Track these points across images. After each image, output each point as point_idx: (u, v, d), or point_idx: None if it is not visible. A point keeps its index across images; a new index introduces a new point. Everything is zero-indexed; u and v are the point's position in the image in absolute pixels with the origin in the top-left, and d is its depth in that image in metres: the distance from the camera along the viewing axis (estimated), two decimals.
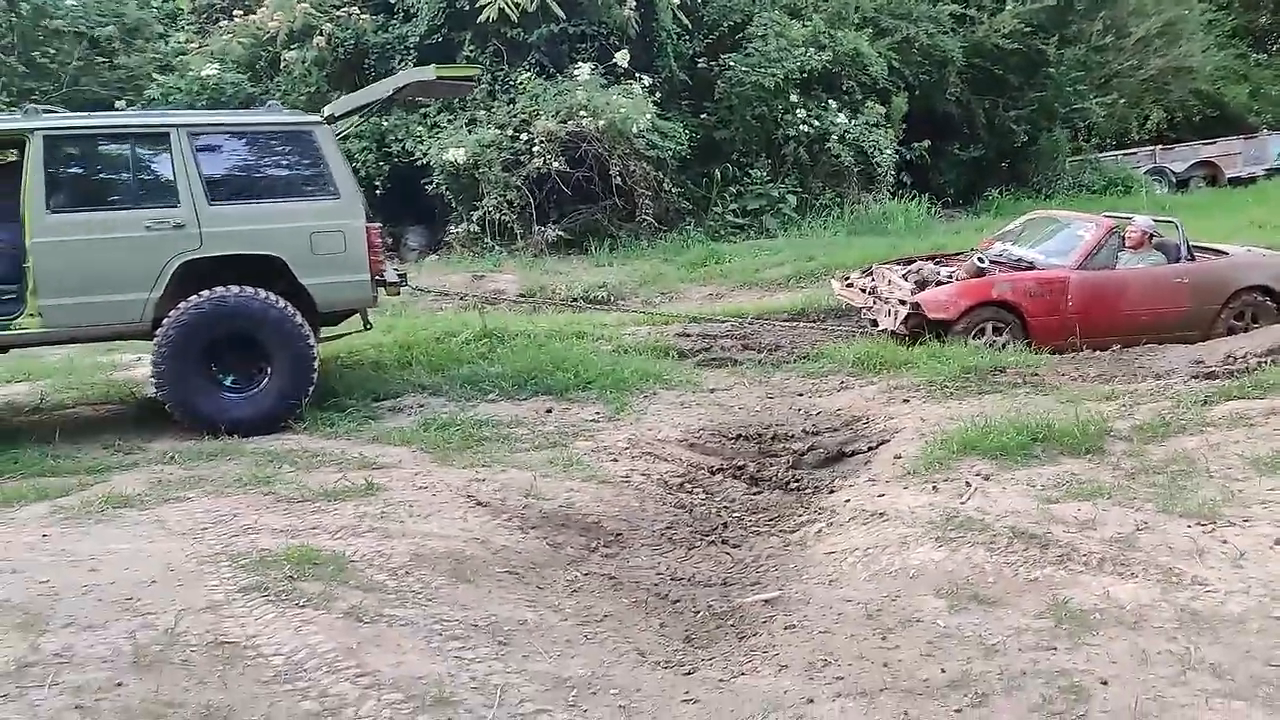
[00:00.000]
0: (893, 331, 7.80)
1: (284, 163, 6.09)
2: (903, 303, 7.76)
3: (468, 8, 13.39)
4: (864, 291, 8.55)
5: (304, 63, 13.31)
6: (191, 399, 5.63)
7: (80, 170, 5.78)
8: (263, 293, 5.72)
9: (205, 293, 5.65)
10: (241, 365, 5.84)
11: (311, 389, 5.85)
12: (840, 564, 3.97)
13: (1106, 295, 7.82)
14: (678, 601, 3.87)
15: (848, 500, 4.66)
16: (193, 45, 13.76)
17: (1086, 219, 8.64)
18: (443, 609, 3.48)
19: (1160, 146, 21.04)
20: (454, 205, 13.78)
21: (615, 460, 5.29)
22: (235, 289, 5.68)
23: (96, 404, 6.71)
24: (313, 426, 5.80)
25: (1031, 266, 8.08)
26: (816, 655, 3.21)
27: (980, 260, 8.18)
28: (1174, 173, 20.67)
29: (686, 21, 14.67)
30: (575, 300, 10.97)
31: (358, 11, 13.99)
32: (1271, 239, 11.96)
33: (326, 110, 6.45)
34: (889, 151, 16.10)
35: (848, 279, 9.14)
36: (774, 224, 15.12)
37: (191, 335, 5.57)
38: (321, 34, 13.34)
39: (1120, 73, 19.70)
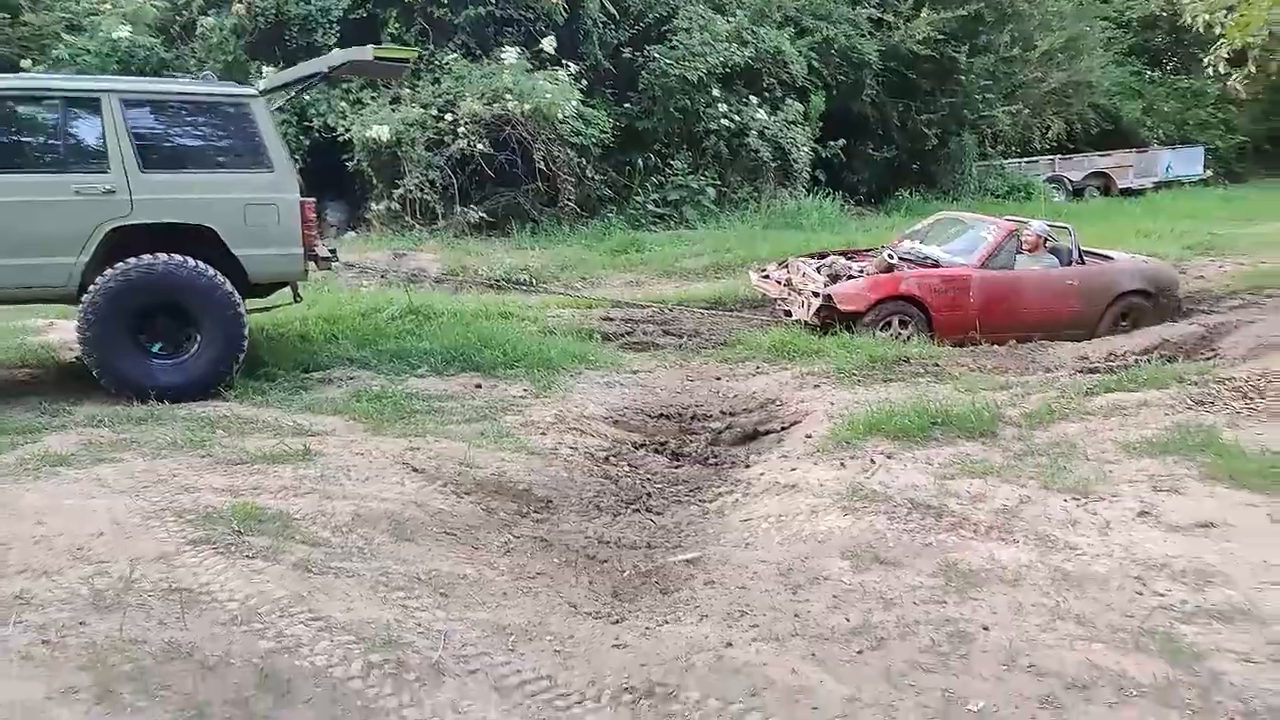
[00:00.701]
0: (805, 321, 8.22)
1: (219, 134, 6.11)
2: (815, 294, 8.19)
3: None
4: (779, 283, 8.96)
5: (222, 30, 13.03)
6: (118, 365, 5.64)
7: (9, 131, 5.70)
8: (191, 261, 5.75)
9: (132, 260, 5.65)
10: (171, 333, 5.86)
11: (242, 357, 5.91)
12: (755, 530, 4.30)
13: (1004, 293, 8.40)
14: (605, 561, 4.15)
15: (762, 474, 5.00)
16: (105, 6, 13.30)
17: (989, 221, 9.23)
18: (386, 563, 3.68)
19: (1059, 156, 22.22)
20: (374, 182, 13.73)
21: (543, 434, 5.52)
22: (164, 256, 5.70)
23: (13, 367, 6.61)
24: (243, 395, 5.87)
25: (937, 264, 8.60)
26: (734, 607, 3.52)
27: (890, 256, 8.68)
28: (1071, 181, 21.88)
29: (613, 10, 14.87)
30: (500, 281, 11.12)
31: None
32: (1154, 246, 12.91)
33: (260, 84, 6.47)
34: (806, 149, 16.65)
35: (764, 271, 9.55)
36: (693, 215, 15.50)
37: (118, 301, 5.58)
38: (241, 1, 13.09)
39: (1025, 84, 20.74)
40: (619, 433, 5.82)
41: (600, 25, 15.29)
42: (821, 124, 17.53)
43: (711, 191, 15.72)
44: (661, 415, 6.15)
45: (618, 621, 3.53)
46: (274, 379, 6.19)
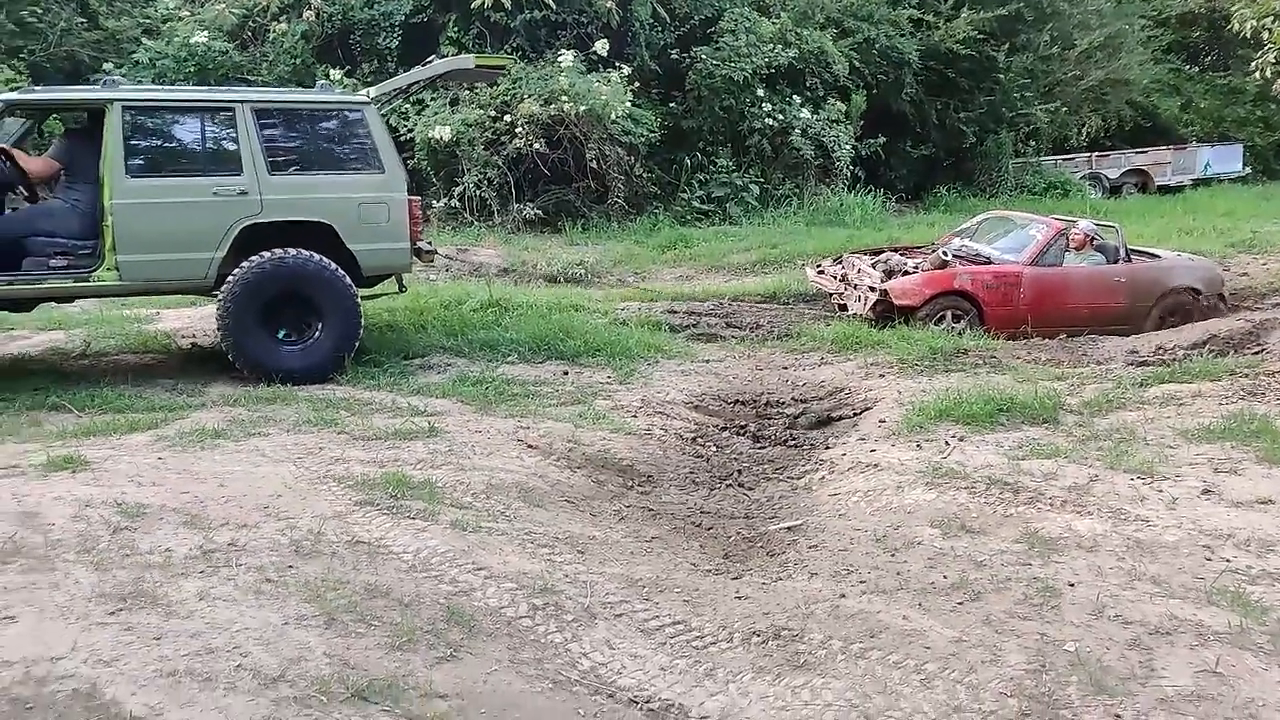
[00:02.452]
0: (861, 315, 8.61)
1: (336, 139, 6.60)
2: (872, 289, 8.58)
3: None
4: (836, 279, 9.36)
5: (292, 35, 13.57)
6: (252, 349, 6.12)
7: (155, 138, 6.20)
8: (317, 256, 6.23)
9: (266, 253, 6.13)
10: (294, 321, 6.33)
11: (356, 344, 6.40)
12: (845, 503, 4.72)
13: (1054, 289, 8.74)
14: (710, 529, 4.58)
15: (844, 454, 5.42)
16: (184, 12, 13.88)
17: (1038, 220, 9.57)
18: (525, 525, 4.14)
19: (1096, 153, 22.35)
20: (434, 180, 14.22)
21: (634, 417, 5.96)
22: (293, 251, 6.18)
23: (138, 352, 7.13)
24: (355, 379, 6.35)
25: (989, 261, 8.96)
26: (839, 566, 3.95)
27: (944, 253, 9.05)
28: (1108, 179, 22.00)
29: (665, 15, 15.28)
30: (560, 275, 11.55)
31: None
32: (1198, 244, 13.15)
33: (373, 92, 6.95)
34: (847, 147, 16.97)
35: (820, 267, 9.95)
36: (737, 211, 15.89)
37: (253, 291, 6.07)
38: (311, 8, 13.62)
39: (1063, 82, 20.90)
40: (700, 416, 6.24)
41: (648, 27, 15.70)
42: (862, 122, 17.84)
43: (755, 189, 16.10)
44: (737, 401, 6.57)
45: (737, 577, 3.96)
46: (380, 365, 6.67)
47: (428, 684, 2.86)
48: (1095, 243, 9.24)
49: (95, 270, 5.97)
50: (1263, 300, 10.77)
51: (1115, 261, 9.12)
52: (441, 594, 3.40)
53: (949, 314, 8.51)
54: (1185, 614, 3.41)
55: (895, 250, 9.91)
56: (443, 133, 12.90)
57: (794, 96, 16.54)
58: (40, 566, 3.25)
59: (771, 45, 15.94)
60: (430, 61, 7.47)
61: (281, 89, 8.89)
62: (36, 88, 7.36)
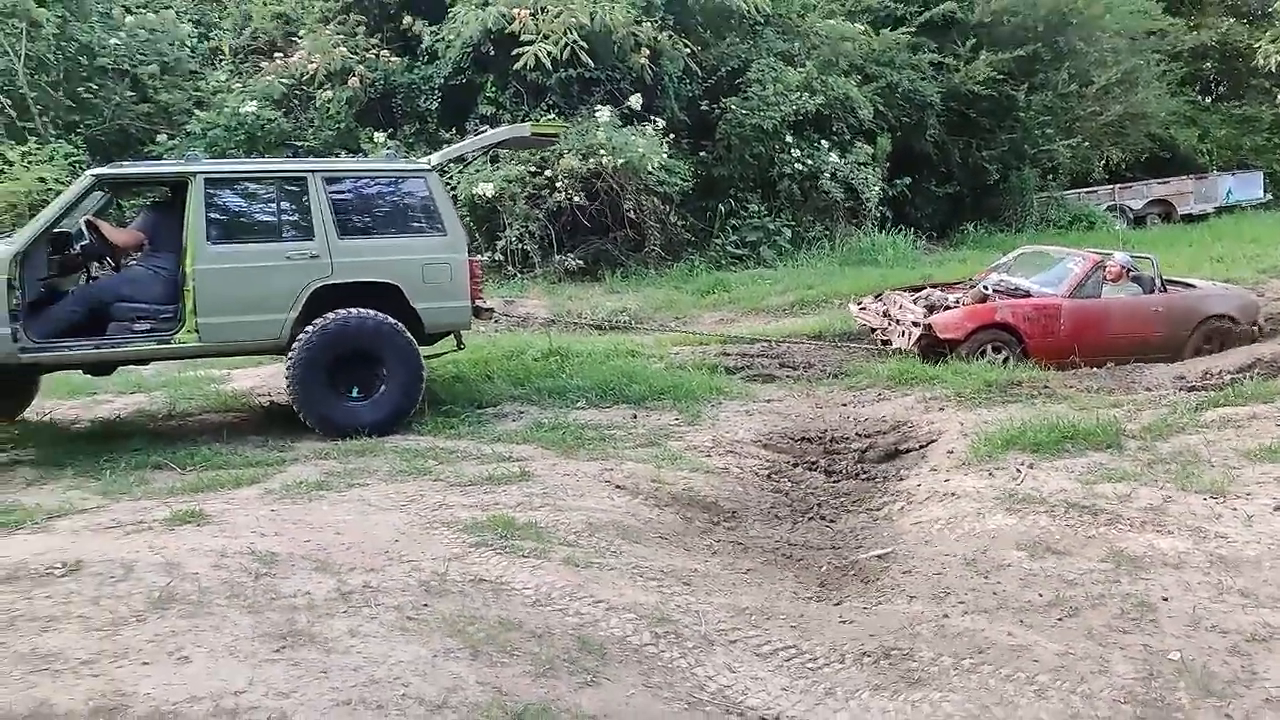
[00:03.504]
0: (904, 350, 8.82)
1: (400, 203, 6.92)
2: (915, 324, 8.81)
3: (493, 52, 14.32)
4: (879, 314, 9.60)
5: (339, 101, 14.11)
6: (320, 405, 6.39)
7: (234, 208, 6.56)
8: (383, 315, 6.51)
9: (340, 312, 6.43)
10: (361, 377, 6.58)
11: (421, 398, 6.67)
12: (929, 530, 4.90)
13: (1093, 320, 8.93)
14: (801, 560, 4.77)
15: (919, 485, 5.60)
16: (235, 84, 14.48)
17: (1074, 253, 9.79)
18: (630, 560, 4.34)
19: (1119, 185, 22.61)
20: (476, 235, 14.61)
21: (708, 456, 6.17)
22: (363, 311, 6.46)
23: (220, 411, 7.42)
24: (436, 429, 6.60)
25: (1028, 294, 9.17)
26: (936, 589, 4.12)
27: (985, 288, 9.29)
28: (1131, 210, 22.23)
29: (699, 70, 15.74)
30: (605, 323, 11.84)
31: (387, 53, 14.85)
32: (1230, 271, 13.30)
33: (435, 159, 7.30)
34: (876, 188, 17.31)
35: (862, 304, 10.20)
36: (770, 254, 16.19)
37: (326, 349, 6.35)
38: (355, 75, 14.17)
39: (1083, 117, 21.25)
40: (770, 454, 6.44)
41: (676, 80, 16.17)
42: (888, 163, 18.19)
43: (787, 232, 16.42)
44: (803, 438, 6.76)
45: (838, 604, 4.15)
46: (457, 415, 6.93)
47: (575, 707, 3.06)
48: (1131, 274, 9.44)
49: (176, 333, 6.26)
50: None
51: (1151, 292, 9.31)
52: (569, 625, 3.60)
53: (990, 346, 8.70)
54: (1278, 622, 3.56)
55: (935, 287, 10.15)
56: (486, 189, 13.31)
57: (821, 141, 16.93)
58: (198, 611, 3.49)
59: (798, 93, 16.35)
60: (483, 130, 7.83)
61: (350, 159, 9.34)
62: (125, 163, 7.75)
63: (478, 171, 13.86)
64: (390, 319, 6.54)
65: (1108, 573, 4.11)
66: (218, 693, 2.90)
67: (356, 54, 14.59)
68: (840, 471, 6.15)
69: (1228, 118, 26.58)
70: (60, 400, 7.72)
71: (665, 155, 14.66)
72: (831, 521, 5.32)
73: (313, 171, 6.66)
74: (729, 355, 9.49)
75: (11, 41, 13.22)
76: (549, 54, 13.63)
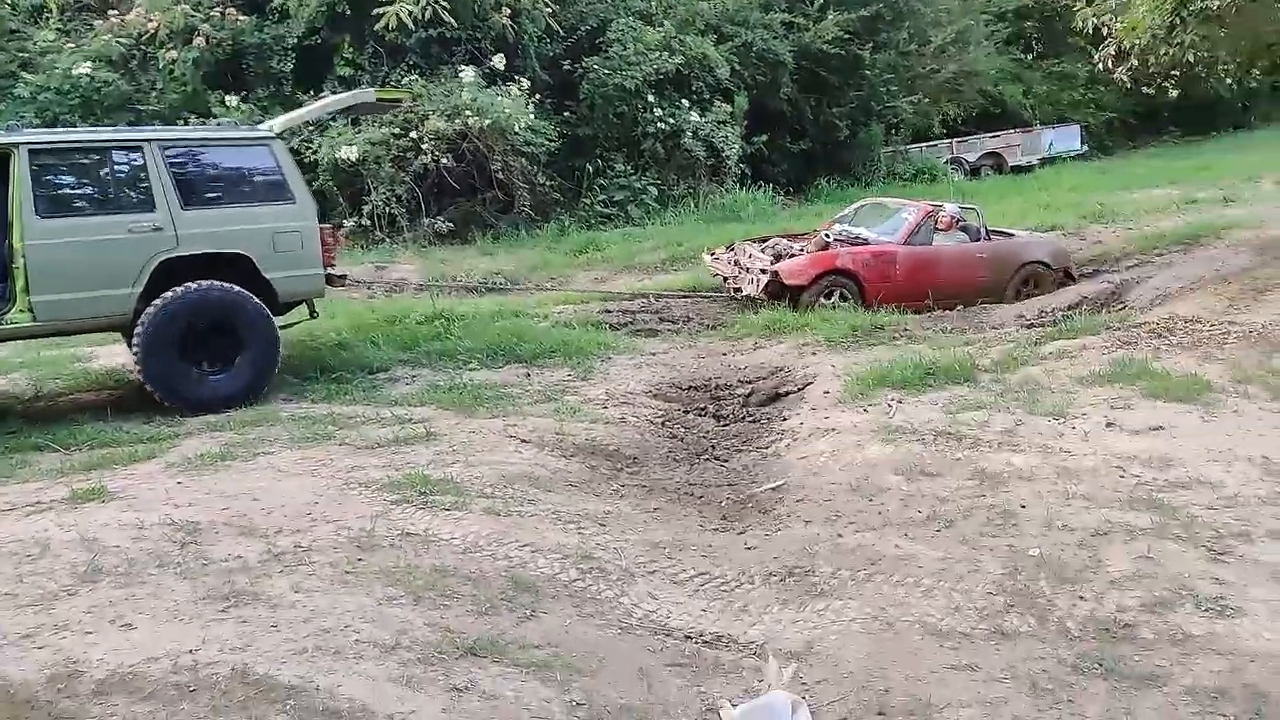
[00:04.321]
0: (753, 296, 9.39)
1: (246, 172, 6.76)
2: (764, 271, 9.36)
3: (349, 12, 13.91)
4: (730, 264, 10.13)
5: (185, 63, 13.39)
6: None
7: (65, 180, 6.24)
8: (233, 286, 6.38)
9: (190, 285, 6.25)
10: (213, 350, 6.42)
11: (277, 368, 6.61)
12: (815, 463, 5.34)
13: (925, 265, 9.70)
14: (701, 497, 5.12)
15: (801, 423, 6.05)
16: (66, 44, 13.49)
17: (909, 204, 10.58)
18: (547, 507, 4.58)
19: (956, 140, 24.03)
20: (340, 200, 14.27)
21: (605, 408, 6.44)
22: (212, 283, 6.30)
23: (92, 390, 7.15)
24: (330, 396, 6.61)
25: (866, 242, 9.87)
26: (828, 513, 4.56)
27: (827, 236, 9.95)
28: (968, 162, 23.70)
29: (559, 28, 15.74)
30: (481, 285, 11.89)
31: (234, 12, 14.17)
32: (1055, 217, 14.50)
33: (276, 126, 7.10)
34: (736, 146, 17.84)
35: (714, 254, 10.74)
36: (638, 213, 16.51)
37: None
38: (201, 34, 13.47)
39: (922, 75, 22.40)
40: (662, 404, 6.76)
41: (537, 40, 16.13)
42: (745, 121, 18.74)
43: (653, 190, 16.75)
44: (691, 387, 7.12)
45: (741, 533, 4.52)
46: (348, 381, 6.93)
47: (521, 639, 3.30)
48: (960, 224, 10.25)
49: (7, 312, 5.97)
50: (1118, 264, 12.06)
51: (977, 240, 10.15)
52: (500, 568, 3.82)
53: (833, 291, 9.32)
54: (1115, 519, 4.16)
55: (782, 237, 10.75)
56: (349, 153, 13.01)
57: (682, 101, 17.26)
58: (130, 581, 3.52)
59: (658, 53, 16.61)
60: (324, 96, 7.69)
61: (189, 127, 8.90)
62: None
63: (339, 135, 13.53)
64: (240, 290, 6.42)
65: (973, 489, 4.65)
66: (173, 652, 2.98)
67: (200, 11, 13.85)
68: (728, 416, 6.54)
69: (1048, 75, 28.54)
70: None
71: (531, 116, 14.68)
72: (725, 461, 5.70)
73: (149, 140, 6.43)
74: (610, 312, 9.76)
75: None
76: (410, 13, 13.37)
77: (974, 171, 23.79)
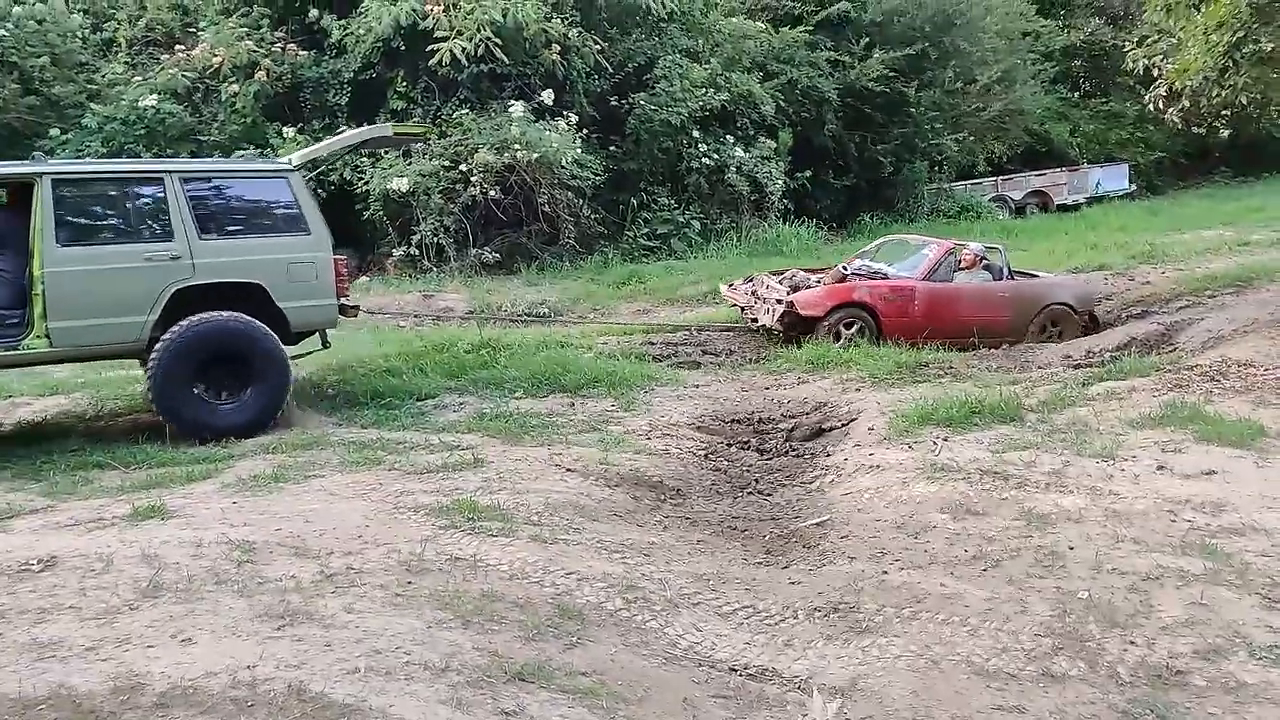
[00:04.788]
0: (769, 327, 9.41)
1: (262, 204, 6.90)
2: (779, 302, 9.39)
3: (403, 48, 14.29)
4: (747, 294, 10.19)
5: (246, 96, 13.83)
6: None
7: (85, 209, 6.40)
8: (246, 317, 6.45)
9: (202, 315, 6.33)
10: (225, 379, 6.49)
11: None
12: (859, 500, 5.33)
13: (945, 302, 9.68)
14: (745, 531, 5.14)
15: (845, 459, 6.05)
16: (134, 77, 14.01)
17: (930, 241, 10.60)
18: (592, 535, 4.63)
19: (1001, 177, 23.94)
20: (389, 230, 14.58)
21: (648, 439, 6.49)
22: (226, 313, 6.39)
23: (151, 412, 7.33)
24: (379, 422, 6.74)
25: (885, 277, 9.87)
26: (873, 550, 4.54)
27: (844, 269, 10.00)
28: (1013, 200, 23.58)
29: (608, 66, 16.04)
30: (524, 316, 12.04)
31: (294, 47, 14.63)
32: (1103, 257, 14.36)
33: (295, 159, 7.19)
34: (779, 181, 17.95)
35: (732, 284, 10.80)
36: (680, 246, 16.64)
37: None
38: (262, 68, 13.92)
39: (967, 113, 22.40)
40: (705, 436, 6.80)
41: (585, 76, 16.42)
42: (789, 157, 18.86)
43: (697, 224, 16.90)
44: (734, 420, 7.15)
45: (785, 567, 4.53)
46: (397, 407, 7.06)
47: (567, 665, 3.33)
48: (984, 263, 10.22)
49: (24, 338, 6.09)
50: (1167, 305, 11.90)
51: (1000, 279, 10.09)
52: (547, 595, 3.87)
53: (849, 324, 9.31)
54: (1167, 563, 4.10)
55: (800, 269, 10.79)
56: (400, 184, 13.30)
57: (727, 136, 17.44)
58: (189, 597, 3.61)
59: (704, 90, 16.81)
60: (342, 130, 7.85)
61: (208, 159, 9.13)
62: None
63: (391, 166, 13.85)
64: (253, 320, 6.47)
65: (1020, 529, 4.61)
66: (231, 668, 3.06)
67: (262, 47, 14.32)
68: (771, 450, 6.56)
69: (1095, 113, 28.35)
70: None
71: (578, 150, 14.91)
72: (768, 495, 5.71)
73: (169, 171, 6.57)
74: (654, 344, 9.84)
75: None
76: (463, 50, 13.69)
77: (1019, 210, 23.65)
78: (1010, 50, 23.45)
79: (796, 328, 9.29)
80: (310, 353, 7.46)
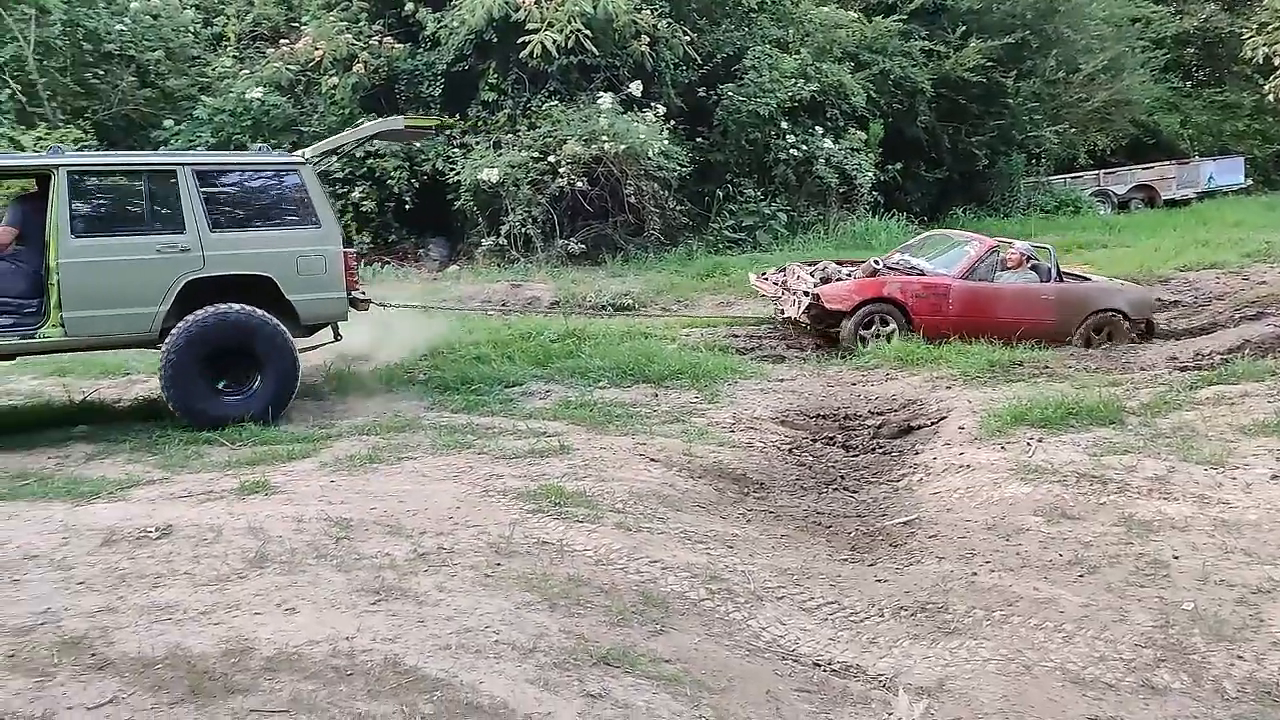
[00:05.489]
0: (795, 318, 9.16)
1: (274, 196, 6.96)
2: (806, 294, 9.16)
3: (495, 40, 14.50)
4: (775, 285, 9.93)
5: (345, 88, 14.25)
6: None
7: (100, 200, 6.58)
8: (255, 309, 6.50)
9: (211, 307, 6.40)
10: (235, 370, 6.56)
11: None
12: (948, 499, 5.23)
13: (983, 302, 9.30)
14: (830, 527, 5.09)
15: (935, 458, 5.93)
16: (241, 70, 14.59)
17: (974, 239, 10.18)
18: (676, 525, 4.65)
19: (1104, 171, 23.04)
20: (479, 220, 14.84)
21: (732, 432, 6.48)
22: (236, 305, 6.47)
23: None
24: (469, 406, 6.88)
25: (920, 273, 9.55)
26: (962, 551, 4.46)
27: (876, 263, 9.68)
28: (1116, 195, 22.68)
29: (697, 57, 16.00)
30: (609, 306, 12.11)
31: (391, 40, 15.00)
32: (1215, 255, 13.73)
33: (308, 153, 7.25)
34: (869, 173, 17.62)
35: (764, 274, 10.54)
36: (766, 239, 16.48)
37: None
38: (360, 61, 14.31)
39: (1069, 104, 21.61)
40: (789, 430, 6.75)
41: (674, 67, 16.40)
42: (880, 149, 18.50)
43: (783, 216, 16.71)
44: (819, 415, 7.08)
45: (871, 565, 4.47)
46: (486, 393, 7.20)
47: (651, 651, 3.36)
48: (1030, 263, 9.78)
49: (40, 327, 6.24)
50: None
51: (1048, 280, 9.65)
52: (632, 582, 3.91)
53: (877, 319, 9.05)
54: (1279, 576, 3.91)
55: (836, 262, 10.48)
56: (490, 175, 13.52)
57: (816, 127, 17.19)
58: (292, 569, 3.77)
59: (793, 80, 16.61)
60: (360, 124, 7.90)
61: (222, 152, 9.36)
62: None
63: (481, 157, 14.08)
64: (263, 312, 6.52)
65: (1120, 535, 4.46)
66: (331, 638, 3.18)
67: (360, 40, 14.71)
68: (858, 446, 6.47)
69: (1209, 104, 27.05)
70: (95, 380, 7.94)
71: (665, 141, 14.90)
72: (854, 492, 5.64)
73: (182, 164, 6.65)
74: (737, 337, 9.81)
75: (21, 27, 13.26)
76: (554, 42, 13.83)
77: (1123, 205, 22.75)
78: (1117, 37, 22.54)
79: (823, 321, 9.05)
80: (322, 345, 7.42)
